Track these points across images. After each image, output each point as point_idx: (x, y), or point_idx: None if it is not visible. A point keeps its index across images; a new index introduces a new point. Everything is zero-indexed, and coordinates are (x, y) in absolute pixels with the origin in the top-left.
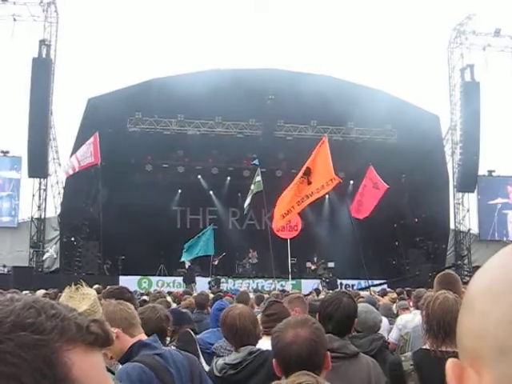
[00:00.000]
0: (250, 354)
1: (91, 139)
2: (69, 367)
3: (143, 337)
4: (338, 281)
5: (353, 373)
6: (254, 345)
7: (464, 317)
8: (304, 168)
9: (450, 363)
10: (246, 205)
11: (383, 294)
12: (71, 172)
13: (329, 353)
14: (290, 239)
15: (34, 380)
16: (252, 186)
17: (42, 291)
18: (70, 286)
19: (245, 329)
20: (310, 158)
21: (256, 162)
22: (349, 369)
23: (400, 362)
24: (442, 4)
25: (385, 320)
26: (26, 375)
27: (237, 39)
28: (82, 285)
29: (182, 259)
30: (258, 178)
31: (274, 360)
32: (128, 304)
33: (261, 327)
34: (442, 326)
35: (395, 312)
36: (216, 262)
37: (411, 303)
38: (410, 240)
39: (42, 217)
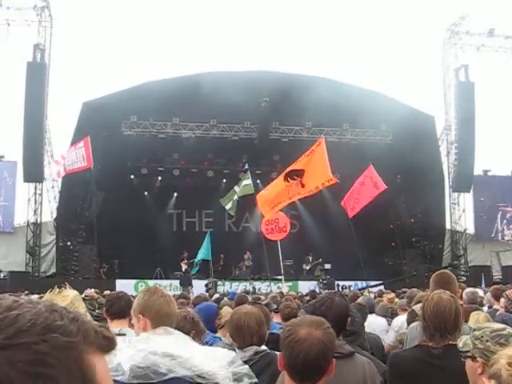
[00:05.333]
0: (255, 353)
1: (81, 143)
2: (94, 369)
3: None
4: (335, 282)
5: (348, 372)
6: (259, 345)
7: None
8: (296, 168)
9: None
10: (228, 208)
11: (379, 295)
12: (60, 175)
13: (334, 360)
14: (283, 241)
15: (67, 381)
16: (236, 189)
17: (36, 296)
18: (53, 289)
19: (249, 328)
20: (302, 158)
21: (246, 166)
22: (344, 368)
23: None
24: (436, 4)
25: (383, 320)
26: (61, 376)
27: (232, 42)
28: (65, 287)
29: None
30: (246, 182)
31: (280, 353)
32: (171, 301)
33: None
34: (438, 326)
35: (395, 312)
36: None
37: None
38: (406, 240)
39: (38, 221)
